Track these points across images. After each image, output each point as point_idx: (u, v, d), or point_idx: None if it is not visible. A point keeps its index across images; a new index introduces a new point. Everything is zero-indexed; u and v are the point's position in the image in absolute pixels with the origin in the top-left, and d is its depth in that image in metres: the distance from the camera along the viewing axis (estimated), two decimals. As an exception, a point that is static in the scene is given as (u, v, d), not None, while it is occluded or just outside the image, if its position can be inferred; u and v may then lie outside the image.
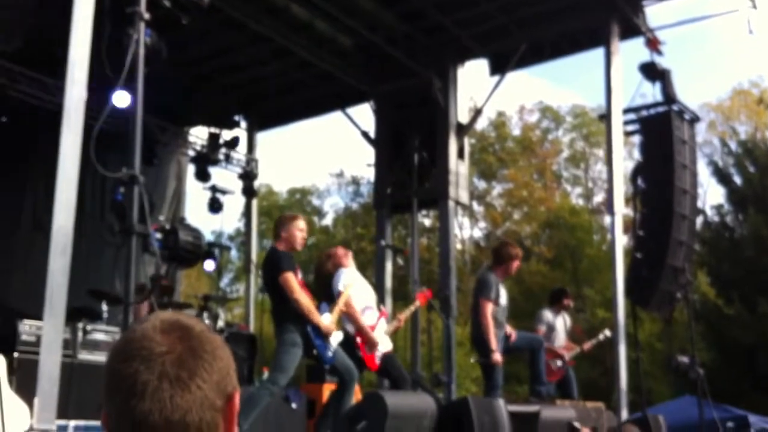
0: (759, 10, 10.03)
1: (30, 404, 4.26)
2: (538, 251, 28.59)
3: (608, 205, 10.25)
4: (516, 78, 39.59)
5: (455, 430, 5.64)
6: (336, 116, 13.56)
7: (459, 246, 27.51)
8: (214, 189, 12.67)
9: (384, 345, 6.45)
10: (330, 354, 5.76)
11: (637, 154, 10.42)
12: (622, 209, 10.06)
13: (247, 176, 13.72)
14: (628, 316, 9.29)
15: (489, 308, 7.06)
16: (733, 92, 28.48)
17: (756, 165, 18.96)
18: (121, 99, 4.82)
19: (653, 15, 10.49)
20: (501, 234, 29.30)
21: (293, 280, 5.61)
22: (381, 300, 9.55)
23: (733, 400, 13.00)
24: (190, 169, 13.40)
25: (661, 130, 8.96)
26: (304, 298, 5.63)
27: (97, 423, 5.68)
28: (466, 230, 30.69)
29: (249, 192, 13.86)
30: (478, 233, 31.69)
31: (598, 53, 10.42)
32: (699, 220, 14.49)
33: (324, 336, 5.70)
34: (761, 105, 24.55)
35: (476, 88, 11.90)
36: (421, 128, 11.30)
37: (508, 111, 31.85)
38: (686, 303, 8.65)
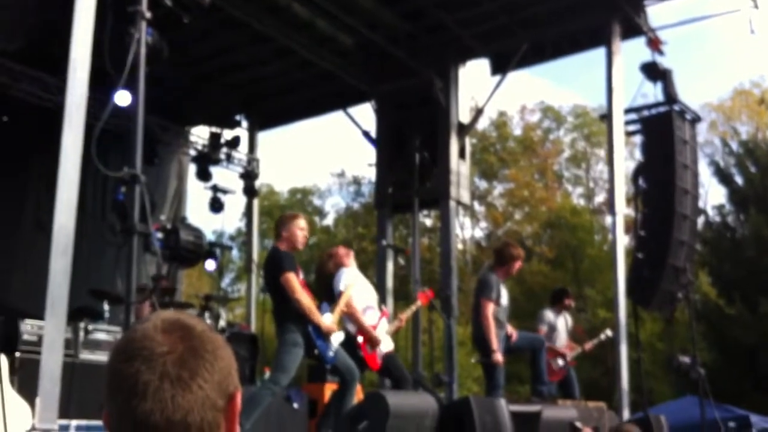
0: (760, 9, 10.02)
1: (32, 404, 4.27)
2: (539, 251, 28.58)
3: (609, 205, 10.25)
4: (517, 78, 39.61)
5: (457, 429, 5.64)
6: (337, 116, 13.58)
7: (460, 246, 27.46)
8: (215, 188, 12.67)
9: (385, 345, 6.45)
10: (331, 354, 5.76)
11: (638, 154, 10.42)
12: (623, 209, 10.05)
13: (248, 176, 13.72)
14: (629, 316, 9.28)
15: (490, 308, 7.06)
16: (734, 92, 28.51)
17: (757, 165, 18.96)
18: (122, 98, 4.82)
19: (654, 15, 10.49)
20: (502, 234, 29.30)
21: (294, 280, 5.61)
22: (382, 300, 9.55)
23: (734, 400, 13.01)
24: (192, 169, 13.40)
25: (663, 130, 8.95)
26: (306, 298, 5.63)
27: (98, 423, 5.67)
28: (467, 230, 30.72)
29: (250, 192, 13.86)
30: (479, 233, 31.75)
31: (600, 53, 10.43)
32: (700, 220, 14.50)
33: (325, 336, 5.69)
34: (762, 105, 24.58)
35: (477, 88, 11.89)
36: (423, 128, 11.29)
37: (509, 111, 31.92)
38: (687, 303, 8.66)
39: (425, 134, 11.16)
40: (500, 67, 11.56)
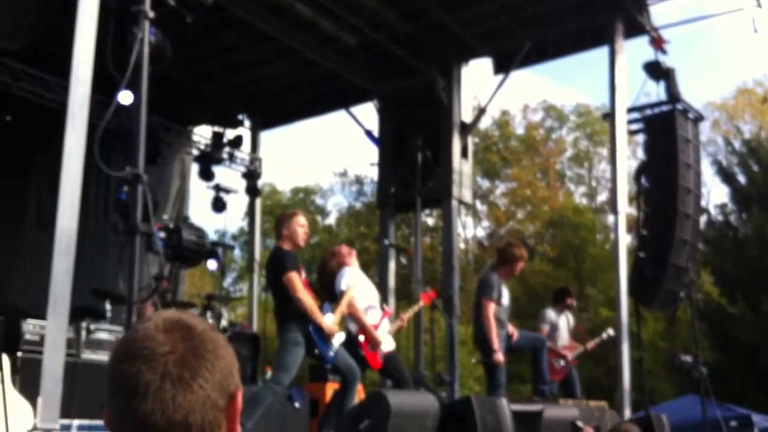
0: (763, 8, 10.01)
1: (33, 403, 4.27)
2: (541, 250, 28.57)
3: (612, 204, 10.24)
4: (520, 77, 39.71)
5: (458, 429, 5.64)
6: (339, 115, 13.57)
7: (462, 245, 27.46)
8: (217, 188, 12.67)
9: (387, 344, 6.45)
10: (332, 354, 5.76)
11: (640, 153, 10.37)
12: (625, 208, 10.04)
13: (251, 175, 13.72)
14: (631, 315, 9.28)
15: (490, 308, 7.06)
16: (737, 91, 28.48)
17: (760, 164, 18.95)
18: (125, 98, 4.82)
19: (657, 14, 10.49)
20: (504, 233, 29.30)
21: (297, 280, 5.61)
22: (384, 299, 9.54)
23: (736, 399, 13.01)
24: (194, 168, 13.41)
25: (665, 129, 8.94)
26: (307, 298, 5.63)
27: (100, 422, 5.67)
28: (469, 229, 30.72)
29: (252, 191, 13.87)
30: (481, 232, 31.74)
31: (602, 52, 10.41)
32: (703, 220, 14.49)
33: (326, 336, 5.70)
34: (765, 104, 24.54)
35: (480, 87, 11.90)
36: (425, 127, 11.29)
37: (511, 110, 31.90)
38: (690, 302, 8.65)
39: (428, 133, 11.16)
40: (503, 67, 11.57)
